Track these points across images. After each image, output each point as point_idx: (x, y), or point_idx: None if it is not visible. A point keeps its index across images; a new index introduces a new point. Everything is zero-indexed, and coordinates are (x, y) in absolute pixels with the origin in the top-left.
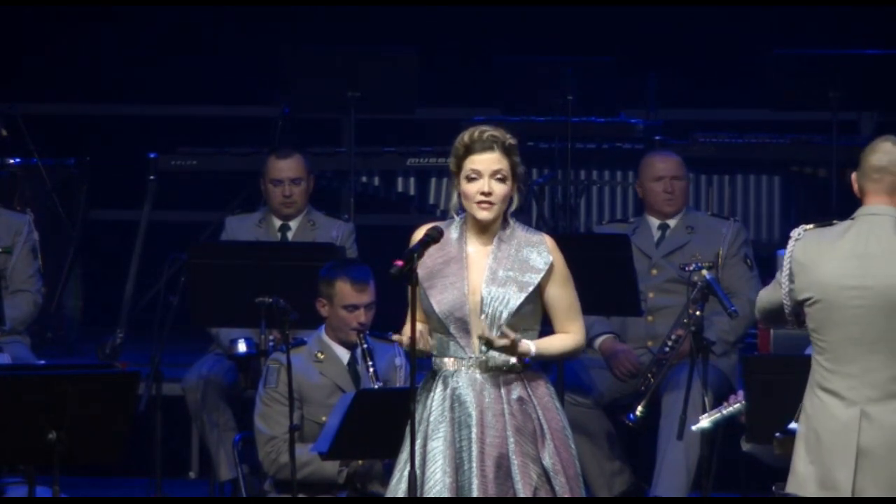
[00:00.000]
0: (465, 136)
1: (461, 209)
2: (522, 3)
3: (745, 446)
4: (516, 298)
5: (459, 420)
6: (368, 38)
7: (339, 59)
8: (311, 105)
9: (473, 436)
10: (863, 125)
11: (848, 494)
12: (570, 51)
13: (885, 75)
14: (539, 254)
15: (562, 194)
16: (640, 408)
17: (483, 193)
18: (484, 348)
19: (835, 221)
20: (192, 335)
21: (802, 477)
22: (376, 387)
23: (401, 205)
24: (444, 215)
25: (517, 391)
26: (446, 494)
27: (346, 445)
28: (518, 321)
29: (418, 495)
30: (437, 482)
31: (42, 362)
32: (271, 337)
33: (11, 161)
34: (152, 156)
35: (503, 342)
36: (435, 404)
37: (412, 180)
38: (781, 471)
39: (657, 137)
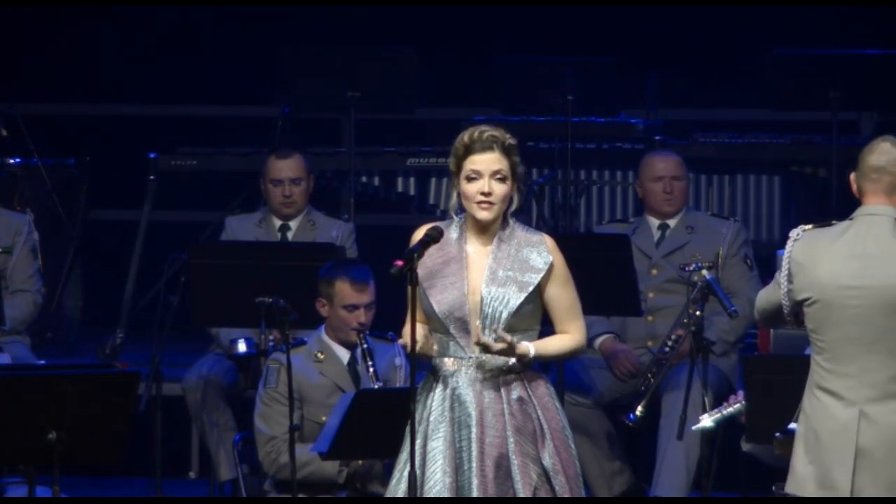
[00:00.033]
0: (465, 136)
1: (461, 209)
2: (522, 3)
3: (745, 446)
4: (516, 298)
5: (459, 420)
6: (368, 38)
7: (339, 59)
8: (311, 105)
9: (473, 436)
10: (863, 125)
11: (847, 494)
12: (570, 51)
13: (885, 75)
14: (539, 254)
15: (562, 194)
16: (640, 408)
17: (483, 193)
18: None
19: (833, 221)
20: (192, 335)
21: (801, 477)
22: (376, 387)
23: (401, 205)
24: (444, 215)
25: (517, 391)
26: (446, 494)
27: (346, 445)
28: (518, 321)
29: (418, 495)
30: (437, 482)
31: (42, 362)
32: (271, 337)
33: (11, 161)
34: (152, 156)
35: (500, 346)
36: (435, 404)
37: (412, 180)
38: (781, 471)
39: (657, 137)
